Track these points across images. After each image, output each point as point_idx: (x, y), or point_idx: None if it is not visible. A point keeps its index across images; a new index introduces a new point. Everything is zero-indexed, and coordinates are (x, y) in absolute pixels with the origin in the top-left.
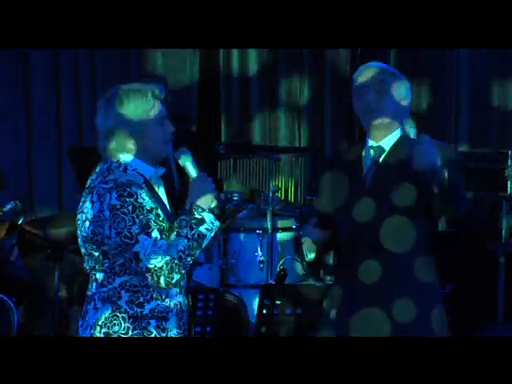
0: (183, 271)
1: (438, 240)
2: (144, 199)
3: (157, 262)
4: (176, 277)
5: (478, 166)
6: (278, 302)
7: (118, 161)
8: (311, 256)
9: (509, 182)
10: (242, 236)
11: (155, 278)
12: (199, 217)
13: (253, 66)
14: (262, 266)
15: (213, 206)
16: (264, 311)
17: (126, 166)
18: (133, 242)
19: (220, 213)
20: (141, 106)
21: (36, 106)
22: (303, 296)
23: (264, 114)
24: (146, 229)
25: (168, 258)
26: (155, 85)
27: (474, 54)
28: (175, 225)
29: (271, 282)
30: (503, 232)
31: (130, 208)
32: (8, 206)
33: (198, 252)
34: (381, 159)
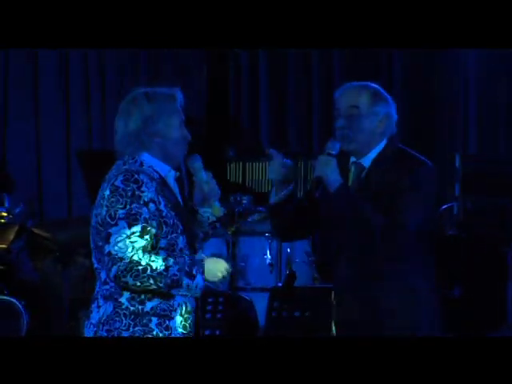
0: (138, 283)
1: (448, 244)
2: (148, 189)
3: (120, 251)
4: (128, 280)
5: (488, 170)
6: (287, 305)
7: (133, 157)
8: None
9: None
10: (251, 239)
11: (110, 264)
12: (194, 273)
13: (262, 68)
14: (271, 269)
15: (212, 279)
16: (273, 314)
17: (141, 162)
18: (113, 223)
19: (229, 216)
20: (167, 107)
21: (45, 109)
22: (312, 299)
23: (274, 117)
24: (130, 219)
25: (134, 257)
26: (175, 89)
27: (483, 55)
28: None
29: (280, 284)
30: None
31: (129, 193)
32: (17, 209)
33: (161, 287)
34: (362, 176)
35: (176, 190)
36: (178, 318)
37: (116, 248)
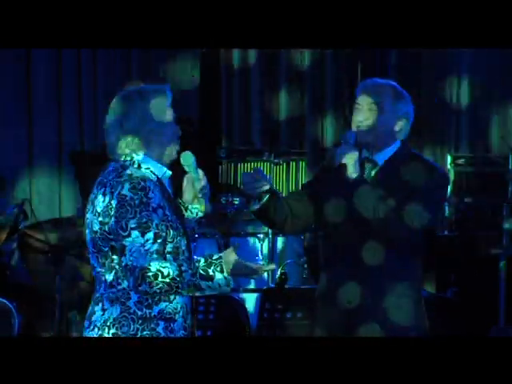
0: (157, 290)
1: (440, 244)
2: (155, 195)
3: (136, 260)
4: (146, 289)
5: (479, 170)
6: (279, 306)
7: (131, 158)
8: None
9: (509, 186)
10: (242, 240)
11: (128, 275)
12: (211, 273)
13: (254, 68)
14: None
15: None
16: (265, 315)
17: (139, 164)
18: (125, 234)
19: (221, 216)
20: (161, 104)
21: (37, 111)
22: (304, 300)
23: (265, 117)
24: (142, 227)
25: (145, 264)
26: (165, 85)
27: (475, 56)
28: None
29: (272, 286)
30: (504, 236)
31: (137, 202)
32: (9, 210)
33: (183, 293)
34: (372, 173)
35: (170, 190)
36: (180, 320)
37: (131, 258)
